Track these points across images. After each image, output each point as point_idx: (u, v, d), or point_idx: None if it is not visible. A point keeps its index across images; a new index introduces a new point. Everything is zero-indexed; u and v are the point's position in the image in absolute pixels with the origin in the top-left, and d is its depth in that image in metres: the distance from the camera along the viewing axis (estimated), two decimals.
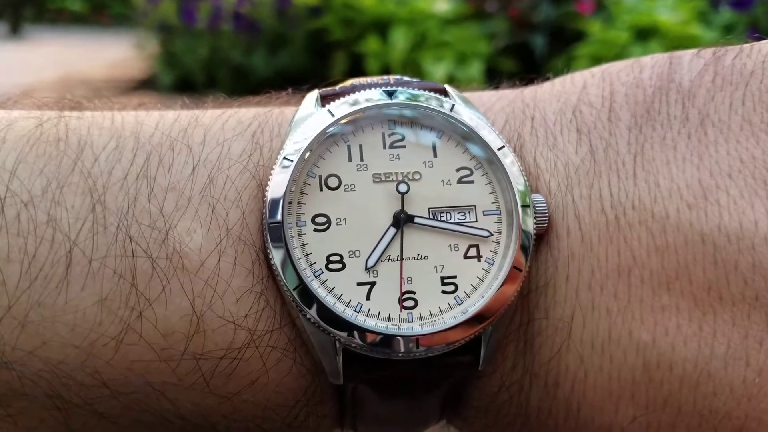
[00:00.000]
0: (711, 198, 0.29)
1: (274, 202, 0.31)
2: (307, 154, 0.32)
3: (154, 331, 0.29)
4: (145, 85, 2.99)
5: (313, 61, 3.36)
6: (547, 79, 0.37)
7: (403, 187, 0.33)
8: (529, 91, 0.36)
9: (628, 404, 0.30)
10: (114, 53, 3.42)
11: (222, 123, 0.33)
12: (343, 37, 3.28)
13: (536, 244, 0.32)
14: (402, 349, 0.30)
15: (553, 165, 0.32)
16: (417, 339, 0.31)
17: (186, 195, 0.31)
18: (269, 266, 0.31)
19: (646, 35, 2.95)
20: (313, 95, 0.34)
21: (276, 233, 0.31)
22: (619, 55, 2.71)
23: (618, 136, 0.31)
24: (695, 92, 0.31)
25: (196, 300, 0.30)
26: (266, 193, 0.31)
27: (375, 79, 0.36)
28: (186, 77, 3.22)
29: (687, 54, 0.33)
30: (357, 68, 3.12)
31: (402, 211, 0.32)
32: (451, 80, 2.66)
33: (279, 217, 0.31)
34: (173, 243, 0.30)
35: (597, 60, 2.55)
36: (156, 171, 0.31)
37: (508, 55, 3.23)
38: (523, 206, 0.32)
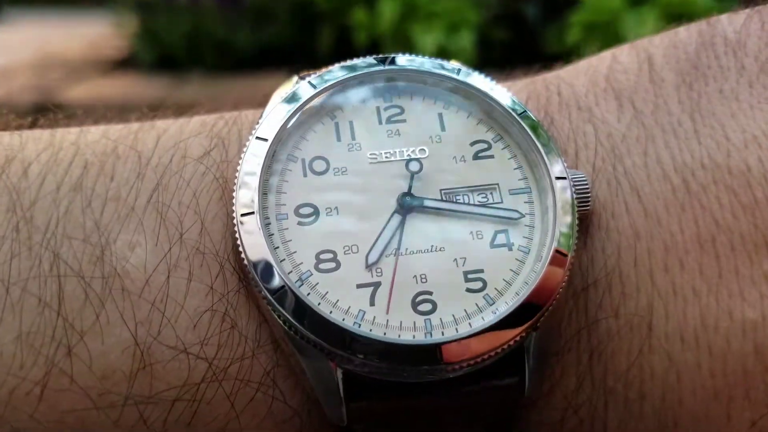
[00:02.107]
0: None
1: (246, 190, 0.25)
2: (285, 131, 0.27)
3: (88, 371, 0.24)
4: (126, 63, 2.91)
5: (299, 35, 3.29)
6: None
7: (414, 165, 0.27)
8: (549, 74, 0.32)
9: (742, 405, 0.24)
10: (93, 32, 3.34)
11: (180, 125, 0.29)
12: (330, 9, 3.20)
13: (581, 229, 0.26)
14: (419, 365, 0.24)
15: (593, 139, 0.28)
16: (438, 349, 0.24)
17: (129, 204, 0.26)
18: (244, 276, 0.25)
19: (639, 1, 2.90)
20: (292, 80, 0.30)
21: (249, 228, 0.24)
22: (611, 21, 2.67)
23: (666, 97, 0.27)
24: (745, 41, 0.28)
25: (139, 328, 0.24)
26: (236, 182, 0.25)
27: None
28: (167, 55, 3.15)
29: (723, 15, 0.31)
30: (345, 41, 3.05)
31: (408, 193, 0.26)
32: (443, 52, 2.61)
33: (253, 208, 0.25)
34: (111, 260, 0.24)
35: (591, 27, 2.51)
36: (95, 180, 0.26)
37: (500, 25, 3.16)
38: (558, 178, 0.26)
